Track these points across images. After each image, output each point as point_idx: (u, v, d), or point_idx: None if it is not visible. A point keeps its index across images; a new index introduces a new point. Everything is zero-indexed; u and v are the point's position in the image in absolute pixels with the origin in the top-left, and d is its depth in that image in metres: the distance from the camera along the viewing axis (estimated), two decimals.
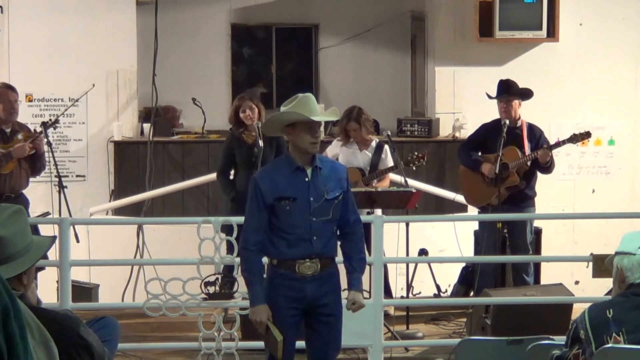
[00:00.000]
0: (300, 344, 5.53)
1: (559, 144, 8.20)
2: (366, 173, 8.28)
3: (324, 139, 10.06)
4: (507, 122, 8.14)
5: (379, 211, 7.98)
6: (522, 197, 8.25)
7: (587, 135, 8.14)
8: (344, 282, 5.55)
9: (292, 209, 5.31)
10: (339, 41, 11.66)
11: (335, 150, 8.38)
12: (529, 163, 8.15)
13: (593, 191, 10.52)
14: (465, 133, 10.15)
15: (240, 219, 5.88)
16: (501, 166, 8.08)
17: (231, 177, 8.38)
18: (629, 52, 10.51)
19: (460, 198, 9.33)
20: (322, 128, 5.46)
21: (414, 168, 8.44)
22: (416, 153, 8.39)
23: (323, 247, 5.33)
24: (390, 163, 8.31)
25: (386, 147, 8.35)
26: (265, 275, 5.46)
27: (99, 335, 3.87)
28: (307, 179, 5.35)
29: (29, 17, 10.07)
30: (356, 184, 8.13)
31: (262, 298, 5.32)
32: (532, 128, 8.36)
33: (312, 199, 5.32)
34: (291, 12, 11.69)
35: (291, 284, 5.33)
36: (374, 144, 8.38)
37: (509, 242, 8.32)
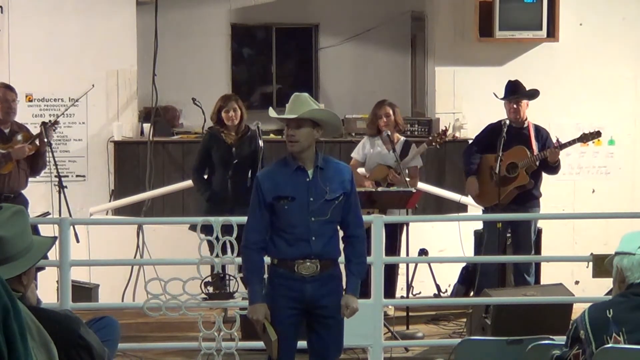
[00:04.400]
0: (303, 344, 5.53)
1: (568, 144, 8.21)
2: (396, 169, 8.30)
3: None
4: (508, 122, 8.17)
5: (396, 211, 8.01)
6: (529, 197, 8.28)
7: (597, 134, 8.16)
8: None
9: (291, 208, 5.32)
10: (339, 41, 11.66)
11: (364, 149, 8.36)
12: (537, 163, 8.17)
13: (593, 191, 10.52)
14: (465, 133, 10.16)
15: (242, 219, 5.89)
16: (510, 165, 8.11)
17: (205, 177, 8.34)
18: (629, 52, 10.51)
19: (465, 200, 9.32)
20: (311, 128, 5.38)
21: (438, 147, 8.44)
22: (437, 132, 8.44)
23: (322, 248, 5.31)
24: (416, 159, 8.34)
25: (413, 144, 8.40)
26: (266, 275, 5.47)
27: (99, 335, 3.87)
28: (307, 179, 5.35)
29: (29, 17, 10.07)
30: (386, 178, 8.14)
31: (260, 297, 5.33)
32: (538, 129, 8.39)
33: (311, 199, 5.32)
34: (291, 12, 11.69)
35: (290, 284, 5.34)
36: (401, 143, 8.40)
37: (513, 241, 8.33)
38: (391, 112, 8.37)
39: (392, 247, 7.80)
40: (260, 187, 5.37)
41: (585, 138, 8.17)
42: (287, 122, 5.37)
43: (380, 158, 8.34)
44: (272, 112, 5.72)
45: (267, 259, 5.49)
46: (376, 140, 8.40)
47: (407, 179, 8.16)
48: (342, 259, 5.52)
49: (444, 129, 8.51)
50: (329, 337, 5.43)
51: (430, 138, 8.40)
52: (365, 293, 7.98)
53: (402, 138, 8.48)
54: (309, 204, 5.32)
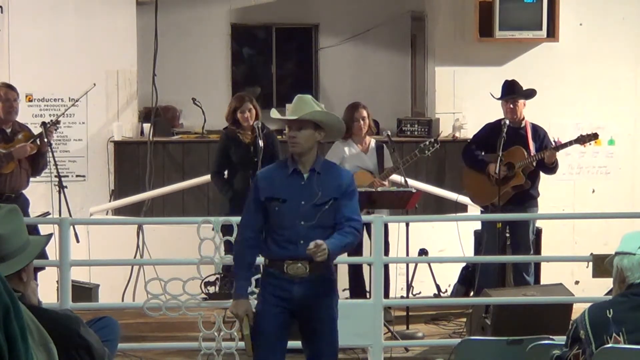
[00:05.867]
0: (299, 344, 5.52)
1: (566, 145, 8.22)
2: (375, 174, 8.24)
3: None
4: (507, 122, 8.17)
5: (385, 211, 8.00)
6: (526, 197, 8.27)
7: (594, 136, 8.16)
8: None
9: (282, 210, 5.30)
10: (339, 41, 11.66)
11: (339, 153, 8.31)
12: (534, 163, 8.17)
13: (593, 191, 10.52)
14: (465, 133, 10.16)
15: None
16: (507, 165, 8.11)
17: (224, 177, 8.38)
18: (629, 52, 10.51)
19: (462, 199, 9.32)
20: (313, 130, 5.36)
21: (429, 154, 8.39)
22: (429, 140, 8.38)
23: None
24: (390, 162, 8.30)
25: (385, 146, 8.35)
26: (259, 276, 5.48)
27: (100, 335, 3.88)
28: (302, 182, 5.33)
29: (29, 17, 10.07)
30: (372, 185, 8.09)
31: (244, 292, 5.34)
32: (536, 129, 8.39)
33: (302, 202, 5.29)
34: (291, 12, 11.69)
35: (280, 284, 5.32)
36: (373, 143, 8.36)
37: (511, 241, 8.32)
38: (366, 114, 8.32)
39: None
40: (257, 185, 5.39)
41: (582, 140, 8.17)
42: (288, 123, 5.37)
43: (358, 161, 8.28)
44: (274, 113, 5.71)
45: (260, 259, 5.49)
46: (350, 143, 8.34)
47: (405, 180, 8.16)
48: (343, 259, 5.51)
49: (434, 138, 8.42)
50: (320, 340, 5.39)
51: (422, 145, 8.33)
52: (363, 294, 8.02)
53: (373, 141, 8.43)
54: (299, 208, 5.29)
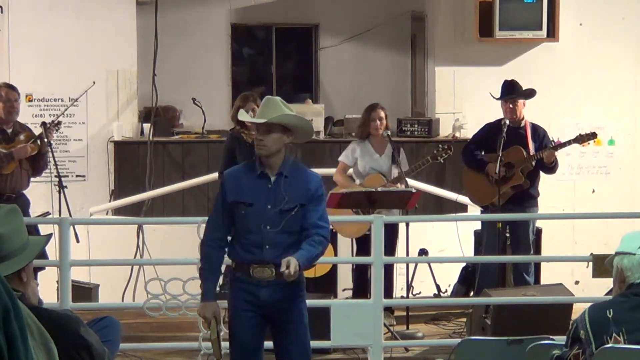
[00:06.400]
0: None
1: (564, 144, 8.22)
2: (388, 177, 8.22)
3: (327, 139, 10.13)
4: (507, 122, 8.17)
5: (395, 211, 7.99)
6: (526, 197, 8.27)
7: (592, 135, 8.16)
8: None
9: (247, 214, 5.25)
10: (339, 41, 11.66)
11: (353, 153, 8.31)
12: (533, 163, 8.17)
13: (593, 191, 10.52)
14: (465, 133, 10.16)
15: None
16: (506, 165, 8.11)
17: None
18: (629, 52, 10.51)
19: (462, 199, 9.32)
20: (281, 134, 5.26)
21: (442, 161, 8.38)
22: (441, 145, 8.37)
23: (276, 257, 5.14)
24: (405, 165, 8.29)
25: (402, 148, 8.35)
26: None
27: (100, 335, 3.87)
28: (269, 186, 5.27)
29: (29, 17, 10.07)
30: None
31: (212, 295, 5.31)
32: (535, 128, 8.39)
33: (269, 206, 5.23)
34: (291, 12, 11.69)
35: (247, 288, 5.28)
36: (389, 146, 8.33)
37: (511, 241, 8.32)
38: (383, 115, 8.32)
39: (389, 247, 7.76)
40: (224, 186, 5.34)
41: (581, 139, 8.17)
42: (257, 126, 5.31)
43: (372, 162, 8.28)
44: (242, 115, 5.68)
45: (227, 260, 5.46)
46: (366, 144, 8.35)
47: (405, 180, 8.14)
48: (343, 259, 5.49)
49: (447, 145, 8.40)
50: (290, 344, 5.35)
51: (435, 152, 8.32)
52: (366, 294, 8.02)
53: (389, 143, 8.42)
54: (265, 212, 5.23)
